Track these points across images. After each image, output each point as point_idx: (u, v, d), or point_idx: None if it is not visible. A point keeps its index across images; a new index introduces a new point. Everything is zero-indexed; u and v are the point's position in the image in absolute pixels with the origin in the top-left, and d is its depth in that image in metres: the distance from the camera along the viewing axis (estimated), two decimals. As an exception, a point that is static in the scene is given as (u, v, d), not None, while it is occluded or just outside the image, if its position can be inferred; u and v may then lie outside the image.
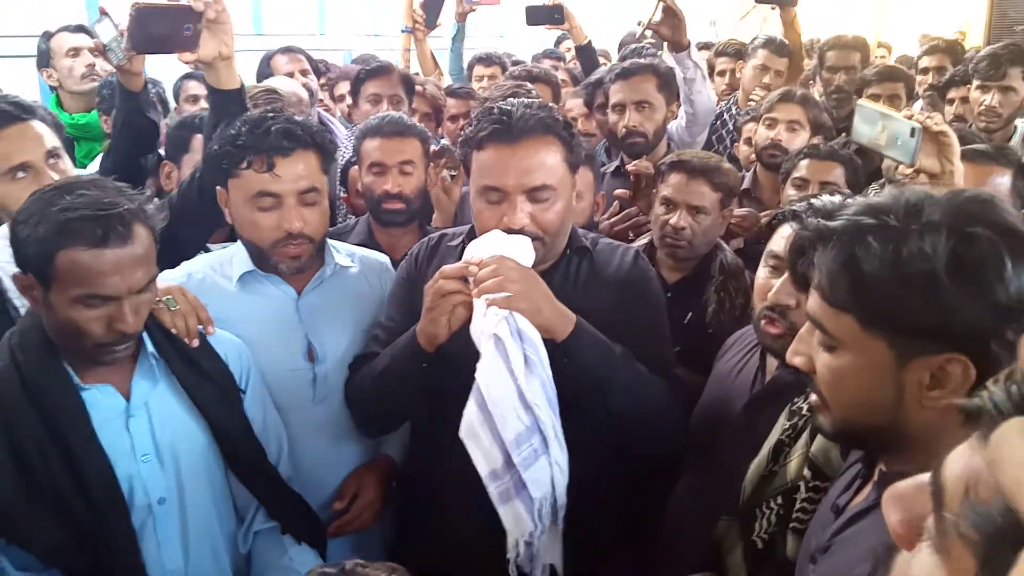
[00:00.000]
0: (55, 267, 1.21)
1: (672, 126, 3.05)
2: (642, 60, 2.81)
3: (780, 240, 1.41)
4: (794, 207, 1.41)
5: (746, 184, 2.66)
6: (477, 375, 1.30)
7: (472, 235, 1.56)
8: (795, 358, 1.00)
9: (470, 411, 1.30)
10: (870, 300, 0.87)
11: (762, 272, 1.46)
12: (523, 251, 1.40)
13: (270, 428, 1.54)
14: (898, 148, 1.50)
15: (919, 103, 3.63)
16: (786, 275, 1.37)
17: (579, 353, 1.40)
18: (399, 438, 1.80)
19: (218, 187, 1.64)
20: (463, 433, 1.30)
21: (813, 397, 1.00)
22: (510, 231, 1.44)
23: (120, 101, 2.17)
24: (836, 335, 0.92)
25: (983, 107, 2.92)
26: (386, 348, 1.56)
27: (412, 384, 1.50)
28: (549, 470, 1.31)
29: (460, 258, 1.56)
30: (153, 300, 1.34)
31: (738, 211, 2.35)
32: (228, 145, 1.56)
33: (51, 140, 1.67)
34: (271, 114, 1.61)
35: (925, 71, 3.91)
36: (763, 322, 1.41)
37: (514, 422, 1.28)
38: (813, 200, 1.37)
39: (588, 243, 1.61)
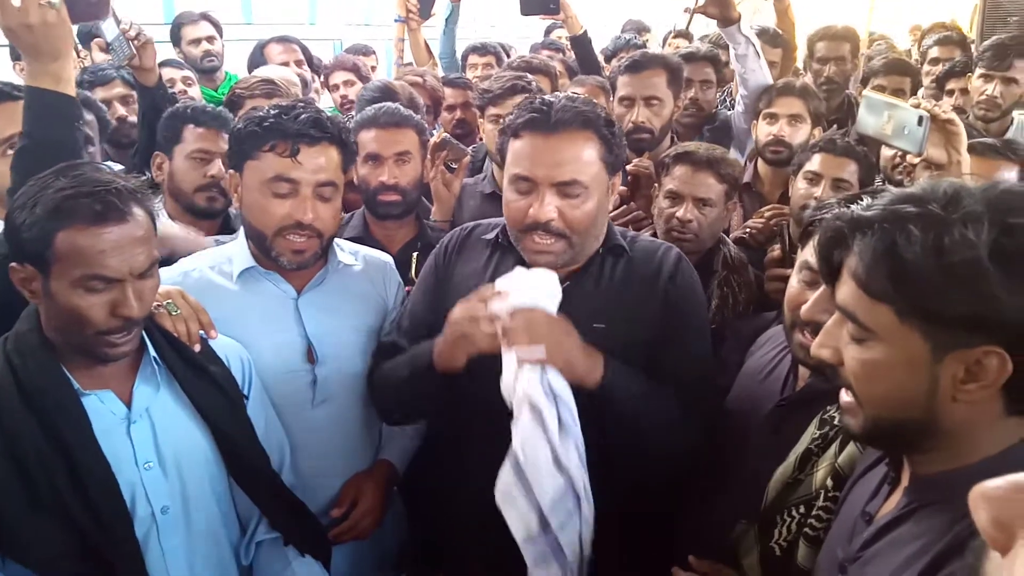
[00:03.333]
0: (55, 249, 1.18)
1: (732, 115, 3.01)
2: (648, 51, 2.75)
3: (813, 251, 1.38)
4: (826, 215, 1.37)
5: (747, 178, 2.62)
6: (513, 441, 1.28)
7: (506, 231, 1.53)
8: (821, 350, 0.97)
9: (506, 475, 1.28)
10: (910, 289, 0.85)
11: (795, 281, 1.42)
12: (549, 289, 1.36)
13: (272, 434, 1.50)
14: (905, 137, 1.48)
15: (920, 92, 3.62)
16: (820, 291, 1.32)
17: (611, 397, 1.38)
18: (400, 443, 1.77)
19: (230, 171, 1.60)
20: (499, 499, 1.28)
21: (843, 396, 0.97)
22: (537, 224, 1.41)
23: (138, 97, 2.23)
24: (871, 326, 0.89)
25: (983, 96, 2.90)
26: (408, 349, 1.54)
27: (430, 398, 1.48)
28: (579, 530, 1.30)
29: (490, 253, 1.56)
30: (157, 287, 1.30)
31: (751, 222, 2.32)
32: (254, 126, 1.52)
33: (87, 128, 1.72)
34: (302, 103, 1.57)
35: (935, 61, 3.88)
36: (797, 334, 1.38)
37: (550, 486, 1.27)
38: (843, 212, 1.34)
39: (625, 242, 1.57)
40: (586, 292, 1.48)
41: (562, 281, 1.49)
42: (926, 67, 3.83)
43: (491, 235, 1.60)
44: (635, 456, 1.45)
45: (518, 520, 1.28)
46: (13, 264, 1.23)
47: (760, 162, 2.68)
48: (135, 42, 2.26)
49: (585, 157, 1.42)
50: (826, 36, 3.51)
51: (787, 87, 2.66)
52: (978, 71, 2.97)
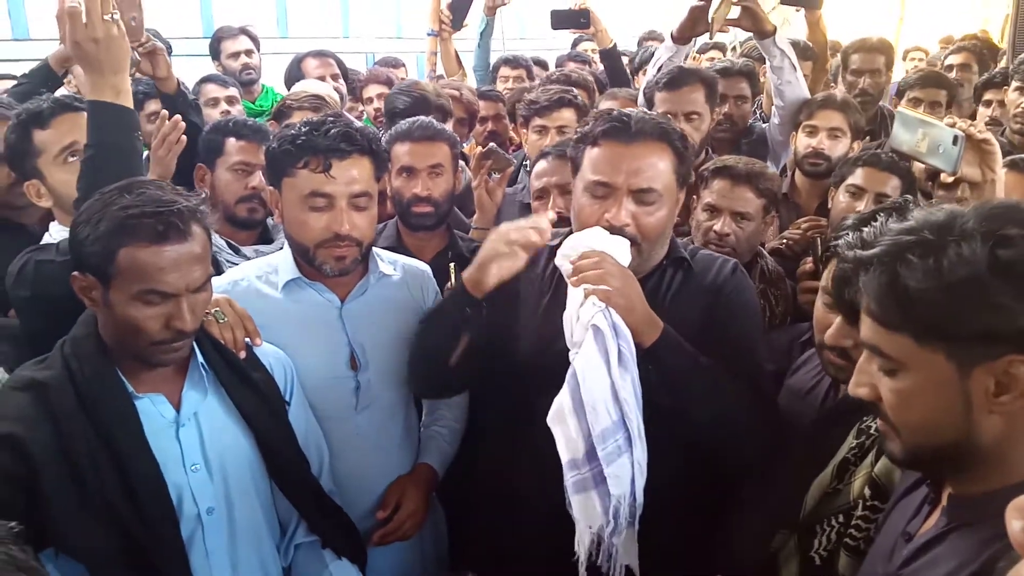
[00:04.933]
0: (116, 264, 1.22)
1: (767, 127, 3.01)
2: (685, 67, 2.75)
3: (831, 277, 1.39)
4: (838, 244, 1.37)
5: (784, 189, 2.62)
6: (575, 362, 1.31)
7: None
8: (859, 389, 0.99)
9: (563, 397, 1.31)
10: (920, 315, 0.87)
11: (819, 304, 1.43)
12: (622, 251, 1.41)
13: (312, 440, 1.53)
14: (940, 156, 1.48)
15: None
16: (839, 319, 1.34)
17: (663, 360, 1.40)
18: (439, 447, 1.79)
19: (270, 187, 1.64)
20: (551, 418, 1.31)
21: (880, 424, 0.98)
22: (611, 229, 1.44)
23: (162, 105, 2.25)
24: (895, 356, 0.91)
25: (1020, 108, 2.87)
26: None
27: (452, 329, 1.49)
28: (631, 469, 1.30)
29: (548, 257, 1.56)
30: (209, 300, 1.35)
31: (788, 233, 2.31)
32: (287, 144, 1.56)
33: None
34: (331, 118, 1.61)
35: (949, 68, 3.86)
36: (825, 354, 1.39)
37: (604, 415, 1.28)
38: (864, 230, 1.34)
39: (687, 253, 1.60)
40: (651, 302, 1.48)
41: None
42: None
43: (557, 241, 1.60)
44: (686, 427, 1.46)
45: (564, 442, 1.30)
46: (75, 273, 1.28)
47: (798, 173, 2.68)
48: (141, 50, 2.29)
49: (661, 167, 1.47)
50: (861, 48, 3.49)
51: (828, 100, 2.66)
52: (1014, 84, 2.94)
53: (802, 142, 2.62)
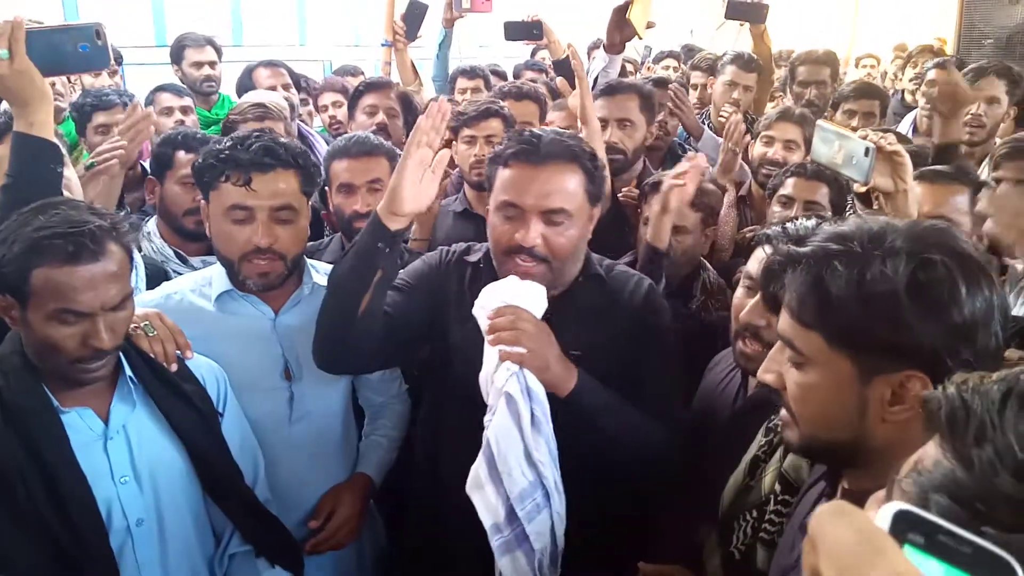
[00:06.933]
0: (31, 285, 1.23)
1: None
2: (624, 79, 2.83)
3: (755, 262, 1.45)
4: (768, 231, 1.44)
5: (743, 192, 2.70)
6: (487, 431, 1.35)
7: (489, 255, 1.59)
8: (766, 375, 1.04)
9: (478, 465, 1.35)
10: (836, 319, 0.92)
11: (739, 292, 1.49)
12: (538, 299, 1.43)
13: (247, 450, 1.55)
14: (853, 167, 1.54)
15: (913, 114, 3.65)
16: (757, 297, 1.40)
17: (581, 405, 1.44)
18: (377, 456, 1.82)
19: (201, 200, 1.66)
20: (469, 487, 1.35)
21: (783, 413, 1.03)
22: (520, 248, 1.48)
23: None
24: (804, 352, 0.96)
25: (968, 116, 2.92)
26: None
27: (365, 266, 1.47)
28: (550, 521, 1.36)
29: (472, 274, 1.61)
30: (130, 318, 1.36)
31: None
32: (211, 159, 1.59)
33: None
34: (256, 132, 1.64)
35: (933, 83, 3.92)
36: (739, 342, 1.44)
37: (520, 478, 1.33)
38: (787, 225, 1.41)
39: (602, 270, 1.64)
40: (566, 319, 1.54)
41: None
42: (924, 88, 3.86)
43: (475, 258, 1.66)
44: (604, 461, 1.51)
45: (486, 509, 1.33)
46: None
47: (754, 183, 2.75)
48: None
49: (570, 188, 1.50)
50: (807, 60, 3.59)
51: (786, 113, 2.74)
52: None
53: (758, 151, 2.70)
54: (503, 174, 1.53)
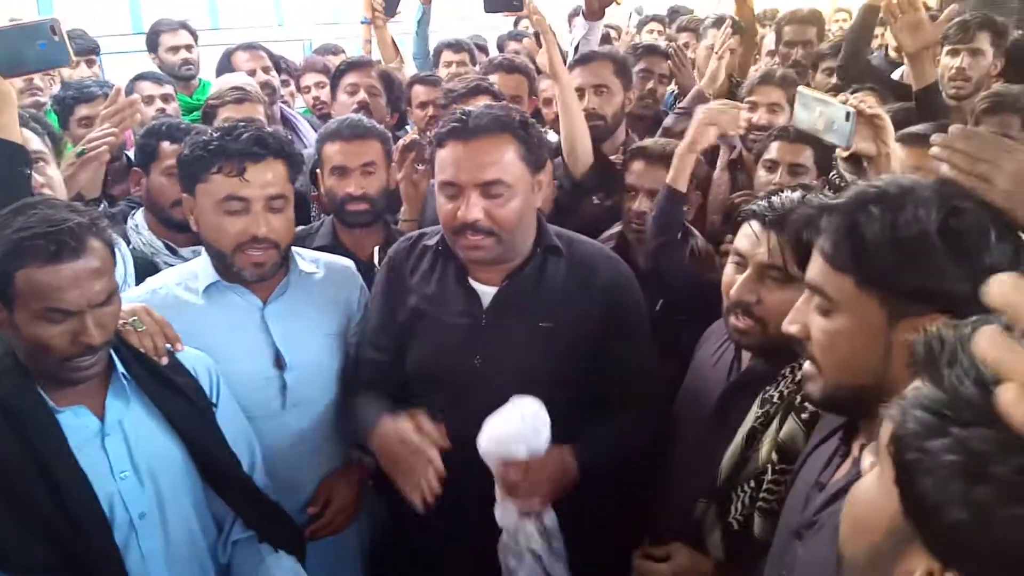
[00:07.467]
0: (15, 287, 1.23)
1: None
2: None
3: (742, 238, 1.44)
4: (754, 207, 1.44)
5: (733, 155, 2.69)
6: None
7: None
8: (791, 326, 1.06)
9: None
10: (868, 260, 0.95)
11: (728, 268, 1.49)
12: (541, 427, 1.43)
13: (242, 439, 1.55)
14: (834, 132, 1.55)
15: (900, 71, 3.62)
16: (746, 273, 1.41)
17: (588, 472, 1.52)
18: None
19: (183, 195, 1.65)
20: None
21: (806, 366, 1.06)
22: (465, 225, 1.49)
23: None
24: (834, 297, 0.99)
25: (952, 70, 2.91)
26: (375, 357, 1.68)
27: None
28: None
29: (433, 259, 1.64)
30: (117, 313, 1.35)
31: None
32: (199, 150, 1.58)
33: (37, 144, 1.78)
34: (242, 123, 1.63)
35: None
36: (731, 318, 1.45)
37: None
38: (773, 199, 1.41)
39: (561, 242, 1.64)
40: (528, 290, 1.57)
41: (502, 280, 1.57)
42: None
43: (432, 241, 1.67)
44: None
45: None
46: None
47: (743, 148, 2.73)
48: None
49: (505, 158, 1.51)
50: (793, 20, 3.57)
51: (767, 76, 2.72)
52: (945, 48, 2.99)
53: (742, 117, 2.67)
54: (440, 155, 1.54)
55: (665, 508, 1.59)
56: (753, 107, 2.66)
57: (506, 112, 1.54)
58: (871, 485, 0.68)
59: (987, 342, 0.52)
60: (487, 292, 1.60)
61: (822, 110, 1.55)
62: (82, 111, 2.64)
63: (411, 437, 1.45)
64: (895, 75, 3.74)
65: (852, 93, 1.81)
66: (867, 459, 0.70)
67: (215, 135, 1.58)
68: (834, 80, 3.10)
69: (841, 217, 0.98)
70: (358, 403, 1.66)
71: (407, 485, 1.44)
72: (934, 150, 1.11)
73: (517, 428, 1.41)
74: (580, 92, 2.58)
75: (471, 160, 1.49)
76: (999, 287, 0.52)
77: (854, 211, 0.97)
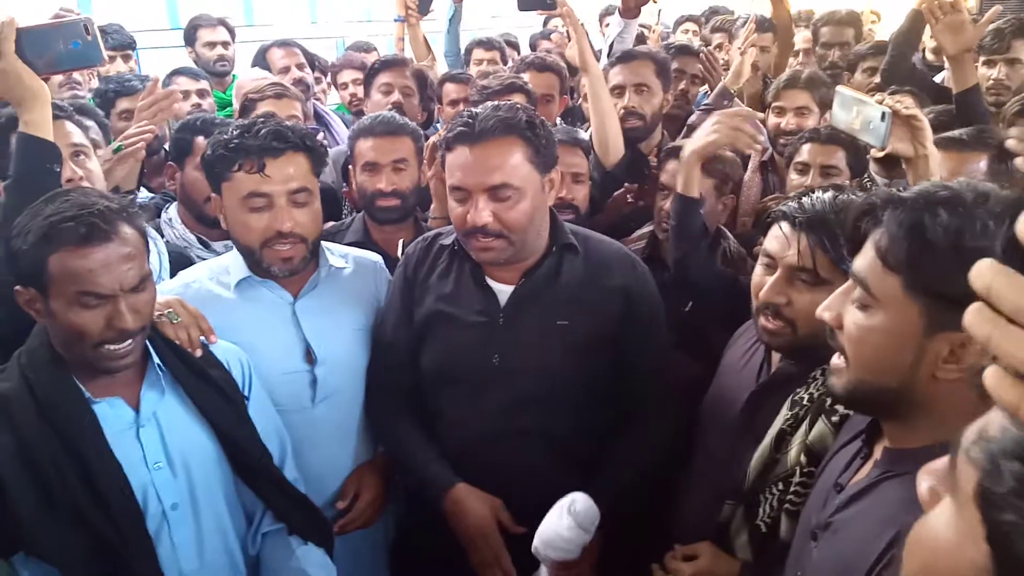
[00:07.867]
0: (49, 272, 1.25)
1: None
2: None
3: (772, 240, 1.43)
4: (783, 208, 1.42)
5: (764, 157, 2.68)
6: None
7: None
8: (825, 312, 1.04)
9: None
10: (923, 263, 0.91)
11: (757, 270, 1.47)
12: (590, 528, 1.44)
13: (272, 432, 1.57)
14: (870, 132, 1.53)
15: (941, 75, 3.56)
16: (776, 275, 1.40)
17: (616, 509, 1.52)
18: None
19: (212, 194, 1.67)
20: None
21: (835, 359, 1.04)
22: (475, 229, 1.51)
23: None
24: (877, 294, 0.96)
25: (991, 81, 2.87)
26: (395, 352, 1.69)
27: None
28: None
29: (450, 259, 1.66)
30: (152, 300, 1.37)
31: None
32: (220, 149, 1.59)
33: (78, 138, 1.84)
34: (261, 119, 1.64)
35: None
36: (760, 319, 1.43)
37: None
38: (803, 199, 1.39)
39: (577, 240, 1.64)
40: (544, 288, 1.58)
41: (518, 279, 1.58)
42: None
43: (449, 241, 1.68)
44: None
45: None
46: (17, 287, 1.30)
47: (775, 152, 2.71)
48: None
49: (512, 161, 1.50)
50: (830, 22, 3.53)
51: (792, 79, 2.68)
52: (981, 58, 2.95)
53: (771, 123, 2.66)
54: (449, 159, 1.55)
55: (690, 509, 1.58)
56: (780, 112, 2.64)
57: (513, 114, 1.54)
58: (946, 528, 0.58)
59: None
60: (504, 291, 1.61)
61: (859, 110, 1.53)
62: (123, 104, 2.68)
63: (494, 539, 1.54)
64: (936, 79, 3.68)
65: (890, 94, 1.78)
66: (923, 483, 0.62)
67: (235, 132, 1.60)
68: (876, 80, 3.05)
69: (905, 213, 0.94)
70: (398, 427, 1.69)
71: (479, 567, 1.56)
72: (1010, 143, 1.08)
73: (575, 534, 1.42)
74: (620, 90, 2.59)
75: (478, 164, 1.50)
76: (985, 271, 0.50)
77: (921, 209, 0.93)
